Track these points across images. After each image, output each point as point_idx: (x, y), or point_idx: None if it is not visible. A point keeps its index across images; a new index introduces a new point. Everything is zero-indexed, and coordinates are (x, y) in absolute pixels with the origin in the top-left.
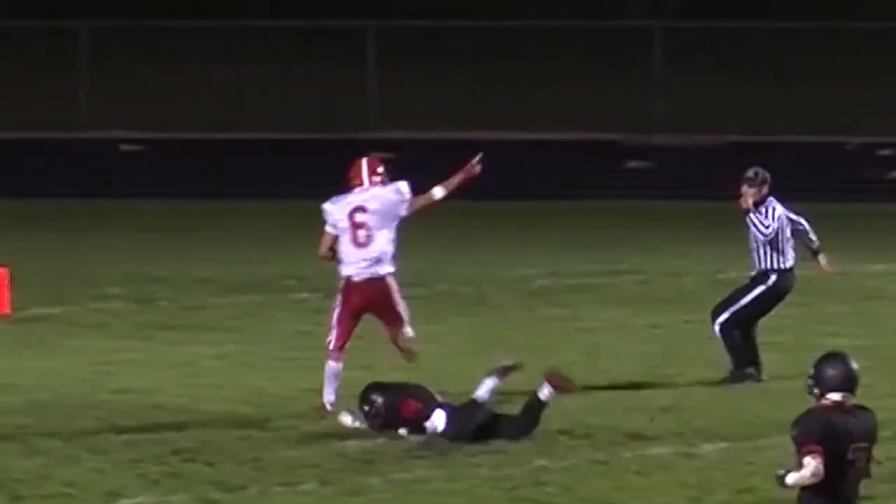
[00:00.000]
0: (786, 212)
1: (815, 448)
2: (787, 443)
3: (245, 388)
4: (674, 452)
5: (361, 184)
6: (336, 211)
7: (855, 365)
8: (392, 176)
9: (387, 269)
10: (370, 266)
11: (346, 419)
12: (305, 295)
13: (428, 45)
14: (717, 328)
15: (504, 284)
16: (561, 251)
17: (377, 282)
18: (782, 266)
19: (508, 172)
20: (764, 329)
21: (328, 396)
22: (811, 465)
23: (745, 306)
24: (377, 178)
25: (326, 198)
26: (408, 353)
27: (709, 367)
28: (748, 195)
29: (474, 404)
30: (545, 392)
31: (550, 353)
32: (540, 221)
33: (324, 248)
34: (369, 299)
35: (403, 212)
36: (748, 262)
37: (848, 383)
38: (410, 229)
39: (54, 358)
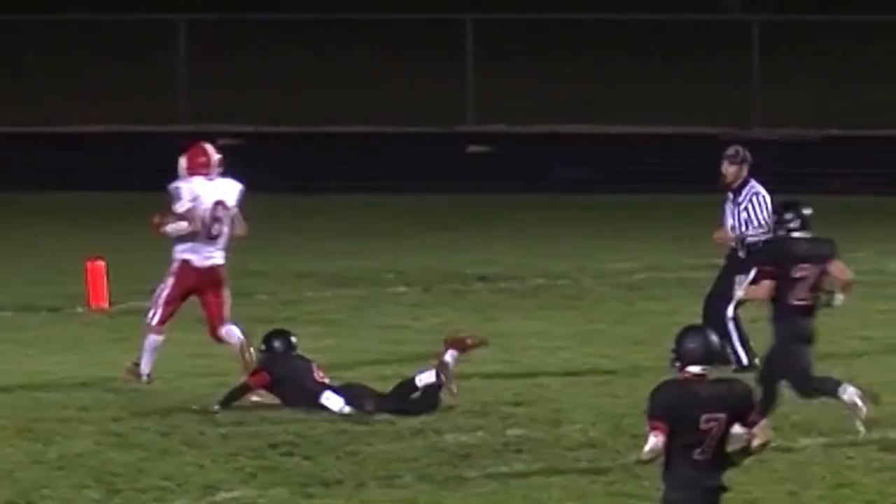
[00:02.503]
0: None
1: (657, 425)
2: (885, 438)
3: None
4: (772, 447)
5: (209, 173)
6: (202, 197)
7: (715, 338)
8: (492, 170)
9: (224, 259)
10: (214, 256)
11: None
12: (403, 289)
13: (527, 38)
14: (730, 325)
15: (602, 278)
16: (659, 244)
17: (216, 269)
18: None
19: (605, 166)
20: (858, 324)
21: (145, 368)
22: (650, 442)
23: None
24: (220, 168)
25: (427, 192)
26: (226, 342)
27: None
28: (728, 174)
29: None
30: (448, 357)
31: (648, 347)
32: (638, 214)
33: (198, 224)
34: (203, 283)
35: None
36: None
37: (708, 356)
38: (505, 222)
39: None
